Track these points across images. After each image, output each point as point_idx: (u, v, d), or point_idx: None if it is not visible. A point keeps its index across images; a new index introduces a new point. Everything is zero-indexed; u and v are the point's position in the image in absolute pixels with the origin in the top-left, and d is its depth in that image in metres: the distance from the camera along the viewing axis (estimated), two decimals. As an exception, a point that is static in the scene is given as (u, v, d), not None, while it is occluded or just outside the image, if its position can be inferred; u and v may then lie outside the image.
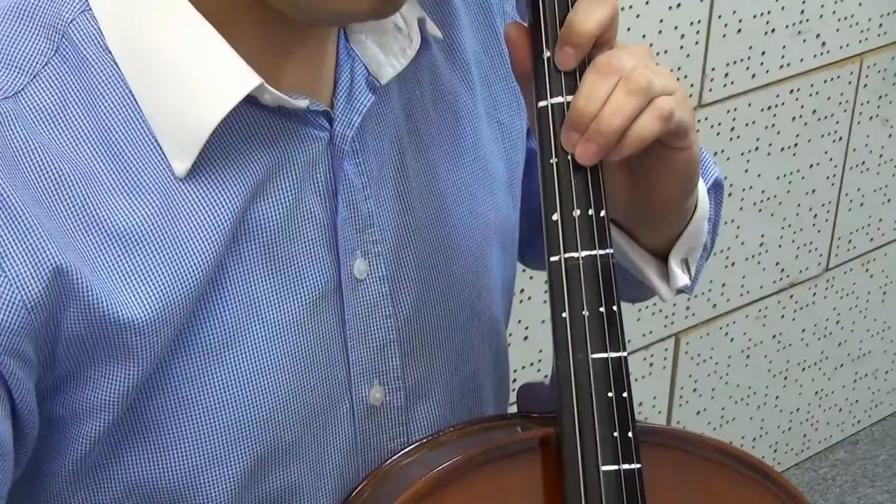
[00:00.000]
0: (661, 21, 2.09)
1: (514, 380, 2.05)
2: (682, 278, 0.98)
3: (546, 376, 0.86)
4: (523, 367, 2.12)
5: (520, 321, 2.10)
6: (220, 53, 0.79)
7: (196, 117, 0.79)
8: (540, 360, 2.14)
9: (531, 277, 2.07)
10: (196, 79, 0.79)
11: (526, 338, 2.12)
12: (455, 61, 0.95)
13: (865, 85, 2.45)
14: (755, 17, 2.21)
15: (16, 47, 0.78)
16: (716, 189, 1.06)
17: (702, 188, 0.98)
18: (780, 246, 2.47)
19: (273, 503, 0.88)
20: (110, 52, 0.79)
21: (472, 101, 0.96)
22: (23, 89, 0.77)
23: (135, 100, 0.79)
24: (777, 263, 2.48)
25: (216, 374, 0.83)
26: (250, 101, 0.81)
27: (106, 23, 0.79)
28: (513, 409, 0.93)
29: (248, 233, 0.83)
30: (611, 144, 0.81)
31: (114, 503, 0.83)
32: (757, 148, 2.33)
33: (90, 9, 0.79)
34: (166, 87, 0.79)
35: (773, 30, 2.25)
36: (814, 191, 2.47)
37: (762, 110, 2.30)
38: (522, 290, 2.08)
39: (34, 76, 0.78)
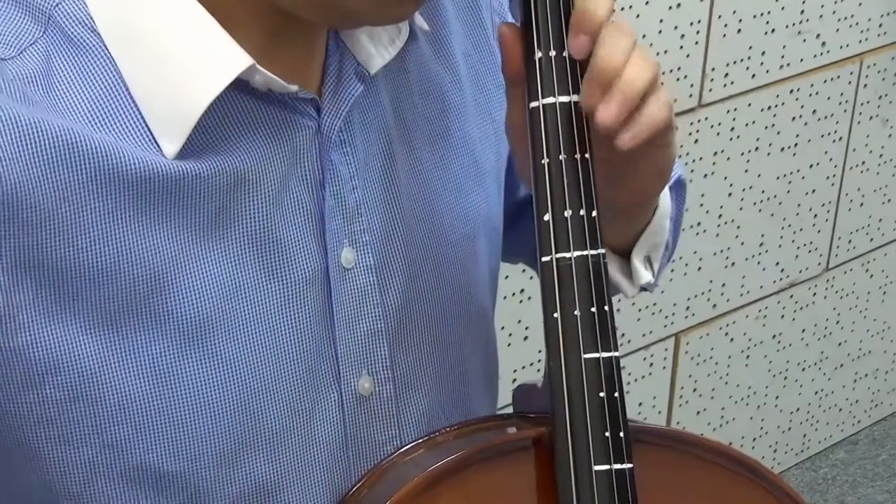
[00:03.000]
0: (661, 21, 2.10)
1: (514, 380, 2.05)
2: (644, 275, 0.99)
3: (543, 377, 0.87)
4: (523, 367, 2.13)
5: (520, 321, 2.10)
6: (212, 34, 0.79)
7: (187, 98, 0.79)
8: (539, 360, 2.15)
9: (531, 277, 2.07)
10: (187, 59, 0.79)
11: (526, 338, 2.12)
12: (442, 55, 0.96)
13: (865, 85, 2.45)
14: (755, 17, 2.22)
15: (2, 25, 0.78)
16: (677, 187, 1.07)
17: None
18: (780, 246, 2.47)
19: (260, 490, 0.88)
20: (99, 35, 0.79)
21: (460, 95, 0.97)
22: (10, 59, 0.77)
23: (123, 81, 0.79)
24: (777, 263, 2.48)
25: (197, 353, 0.83)
26: (240, 87, 0.81)
27: (94, 5, 0.79)
28: (508, 406, 0.94)
29: (233, 218, 0.83)
30: (633, 106, 0.81)
31: (92, 473, 0.83)
32: (757, 148, 2.33)
33: None
34: (157, 68, 0.79)
35: (773, 30, 2.25)
36: (814, 191, 2.47)
37: (762, 110, 2.31)
38: (522, 290, 2.09)
39: (21, 51, 0.78)
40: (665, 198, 0.99)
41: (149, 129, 0.80)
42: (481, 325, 1.01)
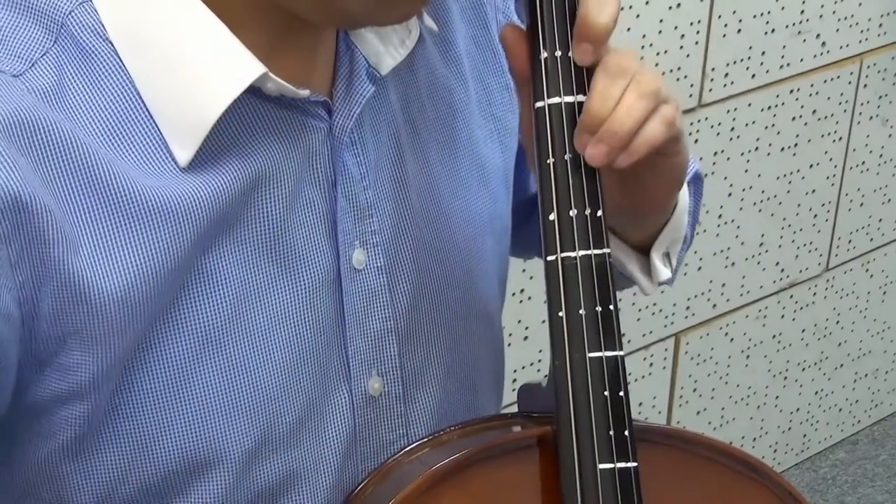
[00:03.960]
0: (661, 21, 2.10)
1: (515, 380, 2.06)
2: (664, 272, 1.00)
3: (546, 376, 0.87)
4: (523, 367, 2.13)
5: (520, 321, 2.10)
6: (225, 42, 0.79)
7: (200, 106, 0.79)
8: (540, 360, 2.15)
9: (531, 277, 2.07)
10: (200, 67, 0.79)
11: (526, 338, 2.13)
12: (448, 56, 0.96)
13: (865, 85, 2.46)
14: (755, 17, 2.22)
15: (14, 36, 0.78)
16: (695, 182, 1.07)
17: None
18: (780, 246, 2.47)
19: (272, 491, 0.88)
20: (111, 43, 0.79)
21: (465, 95, 0.97)
22: (22, 74, 0.77)
23: (136, 89, 0.79)
24: (777, 263, 2.49)
25: (212, 359, 0.83)
26: (252, 91, 0.81)
27: (106, 13, 0.79)
28: (512, 406, 0.94)
29: (247, 222, 0.83)
30: (623, 145, 0.82)
31: (110, 485, 0.84)
32: (757, 148, 2.33)
33: (89, 0, 0.80)
34: (169, 76, 0.79)
35: (773, 30, 2.25)
36: (814, 191, 2.48)
37: (762, 110, 2.31)
38: (522, 290, 2.09)
39: (33, 63, 0.78)
40: (684, 194, 0.99)
41: (162, 137, 0.80)
42: (489, 326, 1.02)
